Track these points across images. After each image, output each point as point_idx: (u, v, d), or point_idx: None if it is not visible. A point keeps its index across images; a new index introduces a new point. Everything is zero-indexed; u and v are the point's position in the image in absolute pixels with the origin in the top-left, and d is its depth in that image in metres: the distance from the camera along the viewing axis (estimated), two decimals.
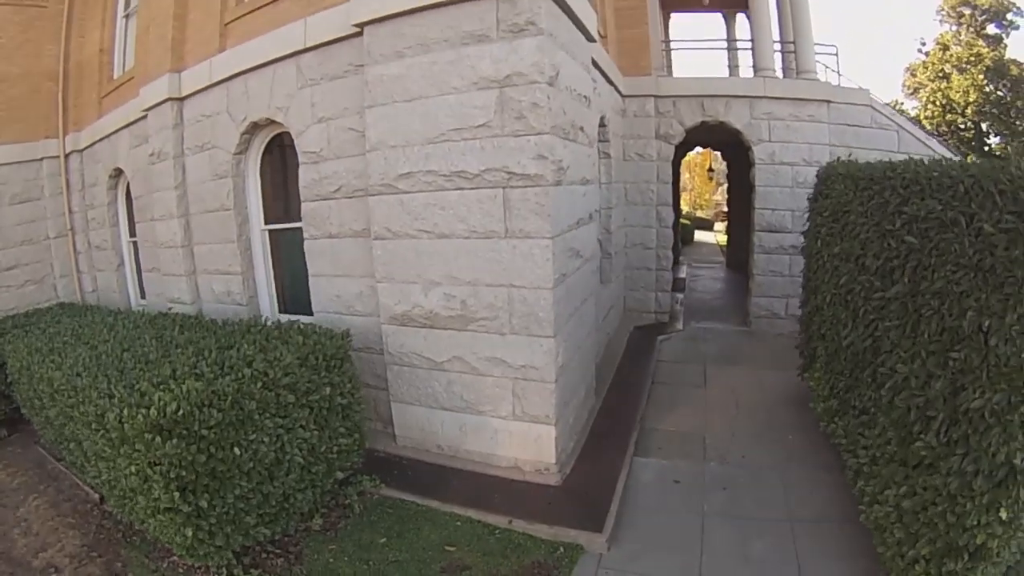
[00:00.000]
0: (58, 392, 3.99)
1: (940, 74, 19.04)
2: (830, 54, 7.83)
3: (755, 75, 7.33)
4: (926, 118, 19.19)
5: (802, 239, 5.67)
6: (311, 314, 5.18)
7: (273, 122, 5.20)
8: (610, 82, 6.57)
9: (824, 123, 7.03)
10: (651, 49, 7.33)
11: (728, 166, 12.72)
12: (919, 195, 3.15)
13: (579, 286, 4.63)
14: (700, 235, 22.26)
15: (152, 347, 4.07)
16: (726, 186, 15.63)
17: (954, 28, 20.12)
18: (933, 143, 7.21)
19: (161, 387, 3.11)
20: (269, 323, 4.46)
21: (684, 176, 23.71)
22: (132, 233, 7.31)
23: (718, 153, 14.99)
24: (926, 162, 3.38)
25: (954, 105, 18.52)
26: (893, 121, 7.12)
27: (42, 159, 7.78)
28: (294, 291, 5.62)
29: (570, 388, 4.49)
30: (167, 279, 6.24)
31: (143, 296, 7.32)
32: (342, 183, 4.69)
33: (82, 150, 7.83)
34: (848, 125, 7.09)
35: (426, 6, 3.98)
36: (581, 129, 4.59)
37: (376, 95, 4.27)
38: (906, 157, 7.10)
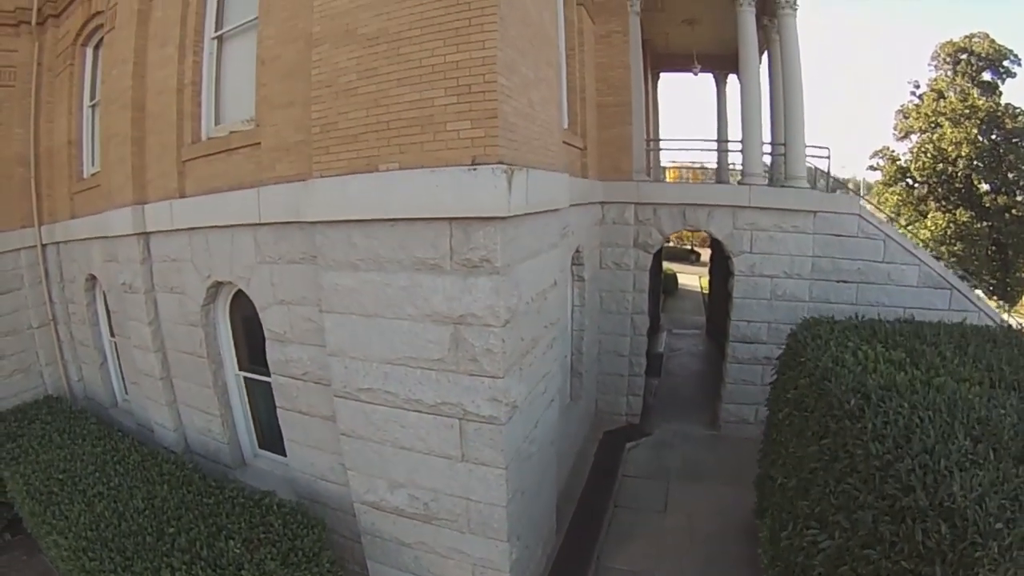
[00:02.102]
0: (64, 560, 4.41)
1: (933, 124, 18.40)
2: (822, 157, 7.43)
3: (742, 179, 7.05)
4: (917, 169, 18.70)
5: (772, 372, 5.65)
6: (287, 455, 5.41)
7: None
8: (587, 201, 6.38)
9: (809, 234, 6.85)
10: (633, 151, 7.01)
11: None
12: (863, 477, 3.11)
13: (536, 473, 4.78)
14: (685, 278, 21.36)
15: (147, 519, 4.42)
16: None
17: (949, 74, 19.30)
18: (921, 254, 7.03)
19: None
20: (252, 497, 4.67)
21: None
22: (113, 333, 7.38)
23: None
24: (891, 422, 3.19)
25: (946, 155, 17.96)
26: (880, 230, 6.92)
27: (19, 249, 7.72)
28: (271, 428, 5.79)
29: (523, 565, 4.77)
30: (149, 402, 6.40)
31: (127, 392, 7.49)
32: (307, 370, 4.74)
33: (58, 243, 7.76)
34: (834, 235, 6.90)
35: (374, 219, 3.89)
36: (545, 326, 4.58)
37: (332, 302, 4.24)
38: (890, 266, 7.06)
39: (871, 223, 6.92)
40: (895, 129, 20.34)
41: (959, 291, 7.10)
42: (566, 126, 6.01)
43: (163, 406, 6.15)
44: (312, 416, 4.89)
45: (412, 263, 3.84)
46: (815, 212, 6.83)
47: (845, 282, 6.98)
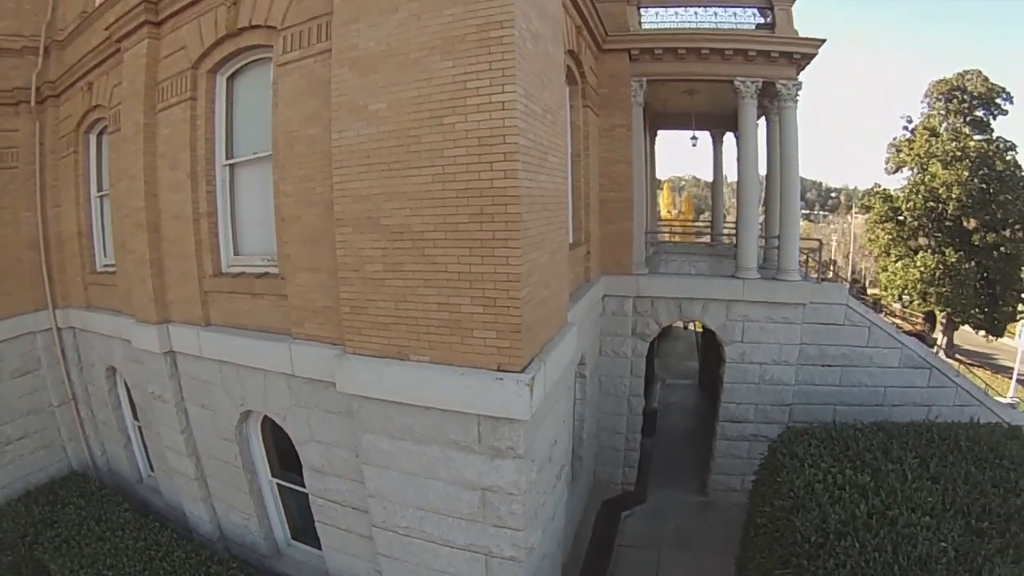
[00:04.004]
0: None
1: (924, 166, 18.79)
2: (813, 248, 7.77)
3: (735, 272, 7.40)
4: (908, 209, 19.16)
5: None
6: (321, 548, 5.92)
7: None
8: (590, 306, 6.73)
9: (797, 324, 7.31)
10: (634, 245, 7.29)
11: None
12: None
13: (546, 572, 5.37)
14: None
15: None
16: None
17: (942, 112, 19.73)
18: (903, 338, 7.55)
19: None
20: None
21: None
22: (136, 417, 7.67)
23: None
24: (841, 564, 3.83)
25: (938, 195, 18.42)
26: (866, 318, 7.40)
27: (35, 332, 7.86)
28: (304, 522, 6.25)
29: None
30: (184, 496, 6.80)
31: (152, 470, 7.85)
32: (346, 498, 5.17)
33: (74, 328, 7.90)
34: (822, 324, 7.38)
35: (409, 404, 4.25)
36: (555, 464, 5.06)
37: (371, 458, 4.64)
38: (873, 350, 7.60)
39: (857, 312, 7.40)
40: (887, 163, 21.03)
41: (938, 369, 7.68)
42: (571, 241, 6.27)
43: (198, 502, 6.57)
44: (350, 533, 5.36)
45: (445, 441, 4.24)
46: (805, 304, 7.28)
47: (830, 366, 7.53)
